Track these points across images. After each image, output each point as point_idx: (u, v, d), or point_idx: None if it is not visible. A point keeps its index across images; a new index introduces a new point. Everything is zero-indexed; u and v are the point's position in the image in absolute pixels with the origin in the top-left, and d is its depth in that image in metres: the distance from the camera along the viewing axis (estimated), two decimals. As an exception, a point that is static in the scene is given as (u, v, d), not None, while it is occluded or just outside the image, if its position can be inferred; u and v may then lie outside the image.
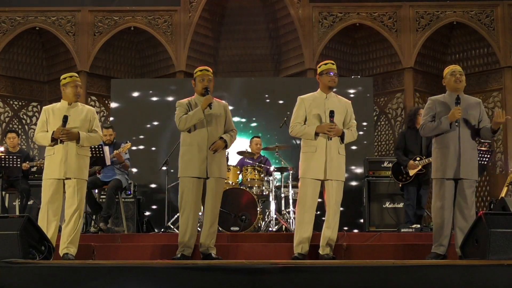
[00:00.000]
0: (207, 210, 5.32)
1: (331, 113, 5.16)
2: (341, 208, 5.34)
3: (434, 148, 5.18)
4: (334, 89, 5.45)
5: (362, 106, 9.66)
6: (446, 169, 5.01)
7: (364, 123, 9.61)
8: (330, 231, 5.21)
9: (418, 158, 7.04)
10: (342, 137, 5.23)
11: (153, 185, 9.47)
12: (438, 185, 5.07)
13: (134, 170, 9.32)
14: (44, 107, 5.53)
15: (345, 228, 7.70)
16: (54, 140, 5.26)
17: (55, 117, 5.33)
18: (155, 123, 9.64)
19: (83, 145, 5.32)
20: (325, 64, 5.35)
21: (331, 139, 5.15)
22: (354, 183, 9.26)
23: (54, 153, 5.29)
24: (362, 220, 8.62)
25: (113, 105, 9.91)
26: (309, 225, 5.21)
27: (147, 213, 9.00)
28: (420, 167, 7.02)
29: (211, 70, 5.48)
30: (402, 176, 7.18)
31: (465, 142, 5.02)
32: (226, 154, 7.70)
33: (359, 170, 9.28)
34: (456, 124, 4.98)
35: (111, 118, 9.79)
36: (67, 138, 5.23)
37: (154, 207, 9.29)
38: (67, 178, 5.26)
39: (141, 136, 9.66)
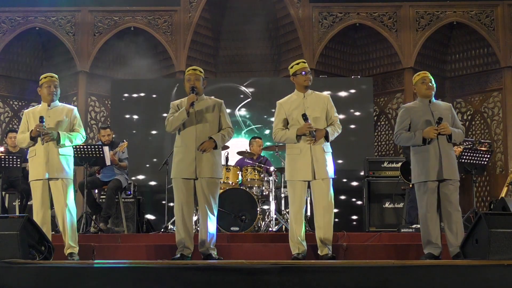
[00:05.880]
0: (201, 212, 5.26)
1: (304, 116, 5.13)
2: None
3: (413, 154, 5.27)
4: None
5: (362, 106, 9.66)
6: (429, 171, 5.11)
7: (364, 123, 9.61)
8: (321, 231, 5.14)
9: None
10: (326, 137, 5.18)
11: (153, 184, 9.47)
12: (422, 189, 5.18)
13: (136, 173, 9.33)
14: (25, 111, 5.55)
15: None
16: (33, 139, 5.27)
17: (35, 120, 5.33)
18: (155, 123, 9.61)
19: (64, 145, 5.31)
20: (297, 64, 5.32)
21: (314, 144, 5.12)
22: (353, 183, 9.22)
23: (35, 154, 5.30)
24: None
25: (113, 105, 9.90)
26: (299, 225, 5.18)
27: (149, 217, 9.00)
28: None
29: (199, 69, 5.39)
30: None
31: (444, 145, 5.13)
32: (226, 154, 7.73)
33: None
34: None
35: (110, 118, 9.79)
36: (48, 138, 5.22)
37: (154, 207, 9.28)
38: (51, 179, 5.26)
39: (141, 136, 9.64)
